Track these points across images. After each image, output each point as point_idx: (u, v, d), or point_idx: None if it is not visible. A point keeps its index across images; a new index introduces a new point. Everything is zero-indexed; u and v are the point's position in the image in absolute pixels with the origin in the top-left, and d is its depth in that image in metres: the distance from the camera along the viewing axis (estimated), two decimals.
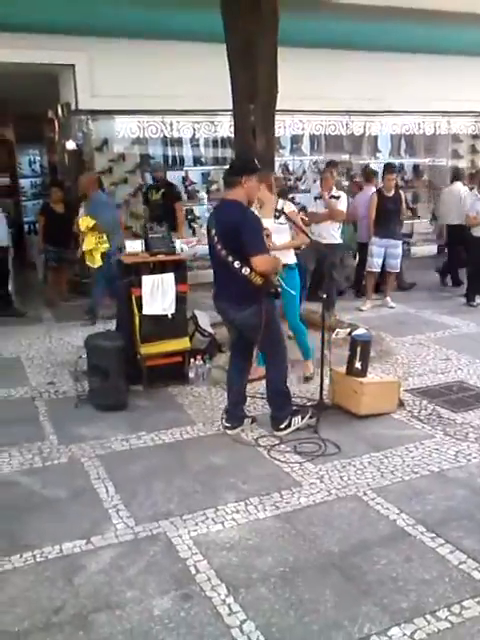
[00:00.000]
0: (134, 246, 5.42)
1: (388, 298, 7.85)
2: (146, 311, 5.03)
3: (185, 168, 9.67)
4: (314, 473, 3.77)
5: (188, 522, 3.27)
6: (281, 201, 4.83)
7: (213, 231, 4.00)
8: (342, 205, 6.83)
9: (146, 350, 5.08)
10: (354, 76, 8.80)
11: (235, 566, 2.92)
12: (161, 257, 5.18)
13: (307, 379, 5.21)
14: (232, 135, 6.76)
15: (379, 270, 7.68)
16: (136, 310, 5.05)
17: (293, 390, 4.64)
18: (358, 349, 4.58)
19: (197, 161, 9.76)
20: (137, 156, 9.18)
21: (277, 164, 9.91)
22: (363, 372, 4.59)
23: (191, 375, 5.28)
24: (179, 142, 9.46)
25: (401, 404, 4.71)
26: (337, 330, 6.36)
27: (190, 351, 5.30)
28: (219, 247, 3.93)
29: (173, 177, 9.55)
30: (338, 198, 6.82)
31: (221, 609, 2.64)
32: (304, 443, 4.15)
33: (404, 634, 2.47)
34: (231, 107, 6.03)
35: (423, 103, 9.60)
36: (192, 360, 5.30)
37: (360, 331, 6.00)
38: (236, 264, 3.88)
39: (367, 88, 8.87)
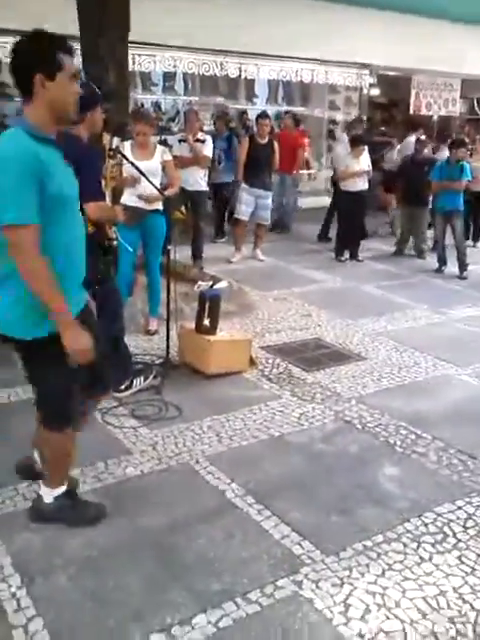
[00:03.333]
0: None
1: (258, 251, 7.63)
2: None
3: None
4: (148, 439, 3.48)
5: None
6: (116, 139, 4.29)
7: None
8: (208, 149, 6.42)
9: None
10: (230, 15, 8.25)
11: (37, 551, 2.58)
12: None
13: (148, 333, 4.91)
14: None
15: (247, 218, 7.39)
16: None
17: (139, 345, 4.28)
18: (207, 305, 4.29)
19: None
20: None
21: (149, 102, 9.30)
22: (212, 329, 4.31)
23: None
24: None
25: (253, 363, 4.49)
26: (199, 282, 6.06)
27: None
28: None
29: None
30: (204, 142, 6.40)
31: (8, 605, 2.30)
32: (144, 406, 3.85)
33: (209, 622, 2.25)
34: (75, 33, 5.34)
35: (301, 50, 9.23)
36: None
37: (221, 284, 5.71)
38: None
39: (243, 29, 8.36)
